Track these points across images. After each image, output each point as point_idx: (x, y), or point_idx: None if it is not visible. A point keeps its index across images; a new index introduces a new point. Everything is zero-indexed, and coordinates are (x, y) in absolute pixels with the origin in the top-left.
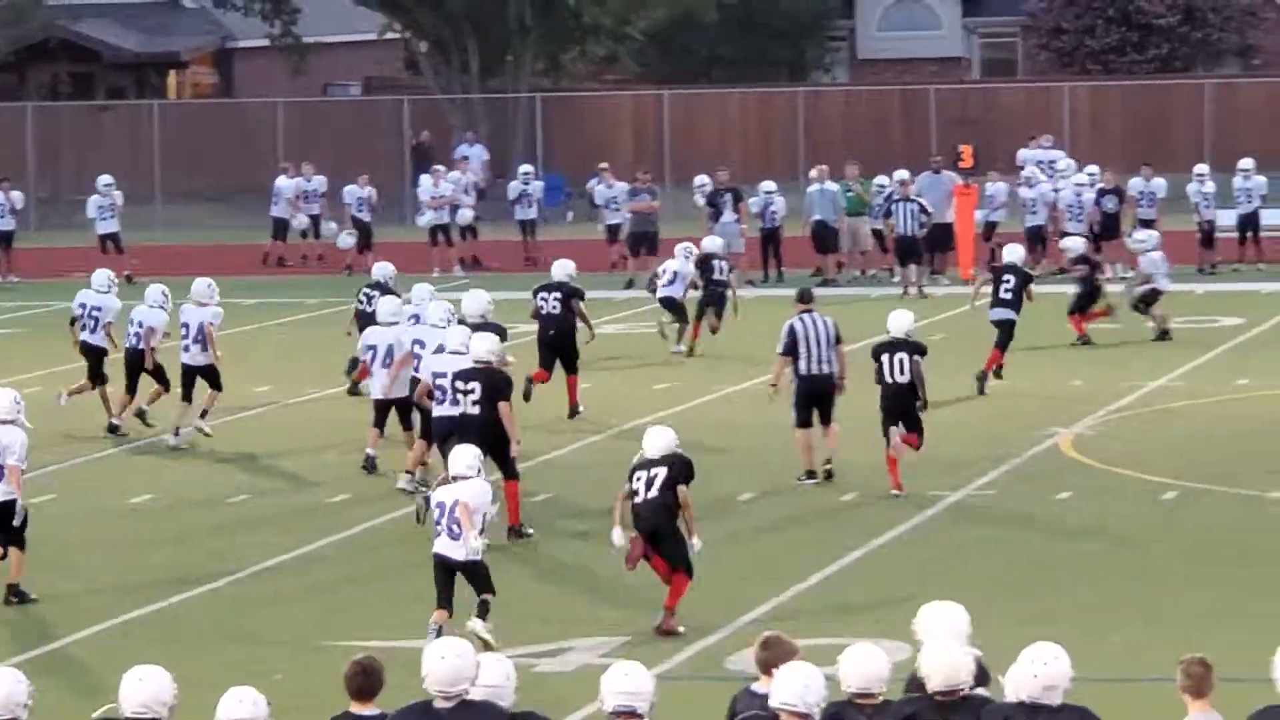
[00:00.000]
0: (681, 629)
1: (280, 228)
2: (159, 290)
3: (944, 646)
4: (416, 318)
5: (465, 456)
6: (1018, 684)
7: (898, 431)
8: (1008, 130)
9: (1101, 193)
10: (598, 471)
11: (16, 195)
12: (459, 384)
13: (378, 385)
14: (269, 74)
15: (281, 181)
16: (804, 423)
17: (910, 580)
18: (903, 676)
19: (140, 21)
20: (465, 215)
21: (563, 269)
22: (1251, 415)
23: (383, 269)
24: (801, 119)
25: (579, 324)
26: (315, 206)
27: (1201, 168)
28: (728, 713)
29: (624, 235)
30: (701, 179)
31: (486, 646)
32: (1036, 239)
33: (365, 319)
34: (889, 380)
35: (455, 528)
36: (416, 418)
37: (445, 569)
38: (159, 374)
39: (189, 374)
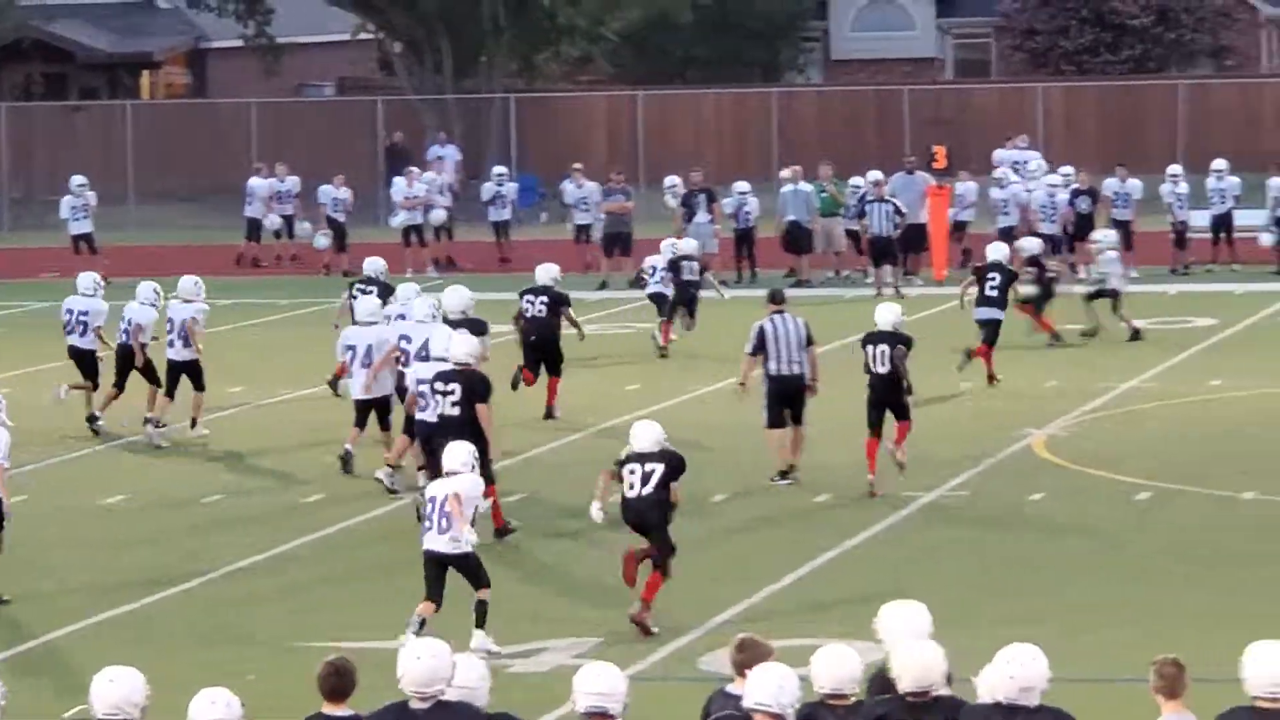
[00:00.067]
0: (656, 629)
1: (254, 228)
2: (150, 288)
3: (916, 647)
4: (403, 316)
5: (460, 453)
6: (994, 685)
7: (890, 445)
8: (981, 131)
9: (1076, 193)
10: (577, 470)
11: None
12: (438, 384)
13: (358, 385)
14: (242, 74)
15: (255, 182)
16: (776, 423)
17: (884, 581)
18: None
19: (113, 22)
20: (438, 216)
21: (547, 273)
22: (1225, 416)
23: (374, 264)
24: (775, 119)
25: (566, 327)
26: (289, 207)
27: (1175, 168)
28: (701, 713)
29: (594, 235)
30: (671, 180)
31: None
32: (1008, 240)
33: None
34: (871, 370)
35: (445, 522)
36: (396, 418)
37: (437, 563)
38: (149, 371)
39: (173, 370)
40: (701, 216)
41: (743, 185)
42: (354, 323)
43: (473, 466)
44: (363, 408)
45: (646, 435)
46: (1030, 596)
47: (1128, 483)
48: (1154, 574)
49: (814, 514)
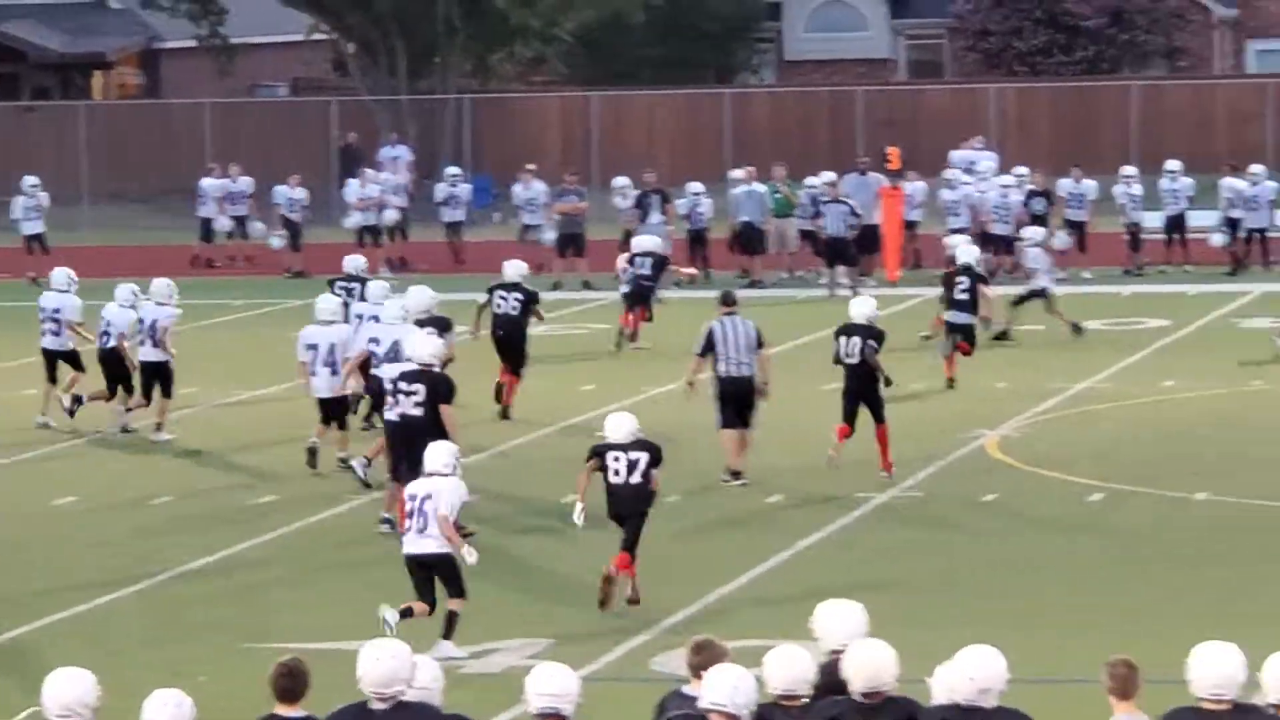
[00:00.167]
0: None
1: (207, 229)
2: (129, 289)
3: (867, 648)
4: (376, 318)
5: (442, 454)
6: (952, 686)
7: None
8: (935, 132)
9: (1030, 194)
10: (531, 471)
11: None
12: (402, 384)
13: (323, 384)
14: (196, 75)
15: (207, 182)
16: (728, 423)
17: (837, 581)
18: None
19: (66, 22)
20: (389, 216)
21: (515, 269)
22: (1177, 417)
23: (353, 261)
24: (729, 120)
25: (532, 325)
26: (242, 207)
27: (1129, 169)
28: (655, 713)
29: (543, 237)
30: (621, 180)
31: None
32: None
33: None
34: (841, 360)
35: (422, 521)
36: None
37: (420, 566)
38: (127, 376)
39: (145, 371)
40: (655, 217)
41: (696, 186)
42: (314, 321)
43: (454, 468)
44: (325, 405)
45: (623, 427)
46: (981, 597)
47: (1080, 483)
48: (1106, 575)
49: (767, 515)
